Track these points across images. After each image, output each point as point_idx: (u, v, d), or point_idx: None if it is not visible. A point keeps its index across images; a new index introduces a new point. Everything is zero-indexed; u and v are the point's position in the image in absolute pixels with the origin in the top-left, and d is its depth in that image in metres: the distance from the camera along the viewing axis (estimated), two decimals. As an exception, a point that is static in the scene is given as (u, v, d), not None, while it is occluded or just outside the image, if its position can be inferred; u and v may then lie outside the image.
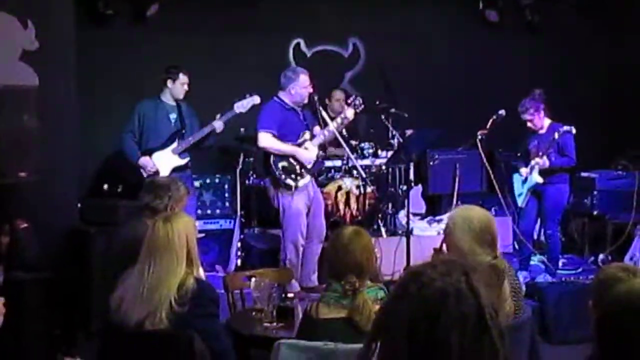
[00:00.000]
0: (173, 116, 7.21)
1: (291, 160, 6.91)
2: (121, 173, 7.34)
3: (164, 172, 7.00)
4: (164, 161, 7.09)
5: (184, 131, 7.18)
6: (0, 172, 5.49)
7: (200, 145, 7.21)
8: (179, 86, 7.16)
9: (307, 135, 7.00)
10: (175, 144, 7.12)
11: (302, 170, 6.92)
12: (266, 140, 6.88)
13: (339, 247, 3.61)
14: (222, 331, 3.89)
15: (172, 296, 3.53)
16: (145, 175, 6.95)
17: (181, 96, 7.20)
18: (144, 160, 7.05)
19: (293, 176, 6.88)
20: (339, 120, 7.10)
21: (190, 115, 7.29)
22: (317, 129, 7.08)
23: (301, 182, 6.90)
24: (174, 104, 7.23)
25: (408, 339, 1.67)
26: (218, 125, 7.12)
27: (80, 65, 6.64)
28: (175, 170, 7.07)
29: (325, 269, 3.91)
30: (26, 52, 6.05)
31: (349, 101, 7.19)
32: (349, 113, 7.05)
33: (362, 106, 7.12)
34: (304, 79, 6.93)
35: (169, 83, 7.16)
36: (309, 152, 6.94)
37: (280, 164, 6.88)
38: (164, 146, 7.11)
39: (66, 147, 6.37)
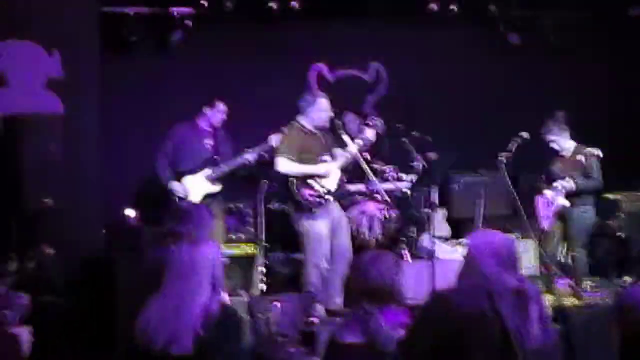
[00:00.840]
0: (208, 142, 7.29)
1: (312, 183, 6.91)
2: (150, 198, 7.39)
3: (195, 197, 7.08)
4: (196, 186, 7.16)
5: (217, 157, 7.25)
6: (26, 199, 5.53)
7: (231, 174, 7.29)
8: (217, 113, 7.26)
9: (327, 157, 7.00)
10: (209, 171, 7.18)
11: (324, 194, 6.91)
12: (283, 164, 6.90)
13: (355, 272, 3.60)
14: (247, 355, 3.88)
15: (197, 320, 3.52)
16: (177, 200, 7.05)
17: (219, 123, 7.28)
18: (174, 184, 7.12)
19: (316, 200, 6.87)
20: (360, 142, 7.10)
21: (226, 142, 7.36)
22: (337, 151, 7.08)
23: (324, 205, 6.89)
24: (210, 129, 7.30)
25: (433, 362, 1.67)
26: (251, 157, 7.19)
27: (105, 92, 6.69)
28: (207, 197, 7.13)
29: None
30: (52, 80, 6.12)
31: (369, 123, 7.19)
32: (370, 134, 7.06)
33: (383, 127, 7.13)
34: (321, 102, 6.96)
35: (207, 110, 7.24)
36: (326, 166, 6.94)
37: (301, 188, 6.88)
38: (195, 171, 7.17)
39: (91, 173, 6.42)
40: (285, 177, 6.98)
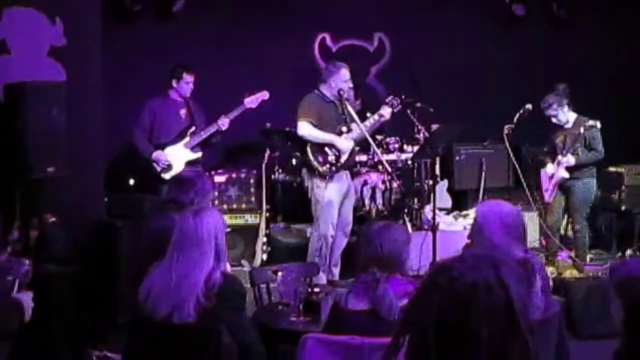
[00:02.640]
0: (183, 112, 7.38)
1: (327, 150, 6.93)
2: (137, 167, 7.47)
3: (178, 166, 7.25)
4: (177, 155, 7.28)
5: (193, 127, 7.34)
6: (29, 167, 5.52)
7: (208, 142, 7.39)
8: (184, 85, 7.33)
9: (344, 128, 7.01)
10: (187, 139, 7.31)
11: (337, 161, 6.93)
12: (305, 128, 6.91)
13: (365, 239, 3.63)
14: (249, 325, 3.90)
15: (199, 289, 3.54)
16: (158, 169, 7.19)
17: (187, 94, 7.37)
18: (157, 154, 7.25)
19: (328, 166, 6.90)
20: (376, 116, 7.09)
21: (199, 110, 7.47)
22: (354, 125, 7.07)
23: (336, 172, 6.92)
24: (181, 100, 7.39)
25: (437, 332, 1.67)
26: (222, 123, 7.28)
27: (107, 61, 6.68)
28: (189, 164, 7.25)
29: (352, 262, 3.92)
30: (54, 48, 6.10)
31: (387, 100, 7.18)
32: (386, 112, 7.06)
33: (400, 106, 7.15)
34: (344, 72, 6.98)
35: (174, 82, 7.36)
36: (346, 142, 6.96)
37: (317, 154, 6.90)
38: (174, 141, 7.30)
39: (93, 142, 6.42)
40: (301, 143, 6.99)
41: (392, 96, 7.23)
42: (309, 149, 6.92)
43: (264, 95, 7.42)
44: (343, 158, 6.96)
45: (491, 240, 3.71)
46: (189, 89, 7.37)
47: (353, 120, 7.01)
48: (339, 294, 3.76)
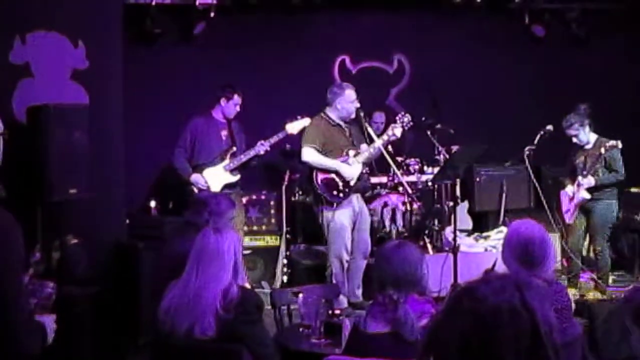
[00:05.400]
0: (224, 133, 7.32)
1: (334, 176, 6.91)
2: (172, 189, 7.47)
3: (216, 188, 7.16)
4: (216, 178, 7.22)
5: (234, 148, 7.29)
6: (51, 189, 5.56)
7: (246, 165, 7.36)
8: (232, 106, 7.29)
9: (351, 152, 7.00)
10: (227, 161, 7.24)
11: (345, 187, 6.91)
12: (309, 155, 6.91)
13: (378, 260, 3.61)
14: (267, 337, 3.91)
15: (218, 302, 3.56)
16: (196, 191, 7.11)
17: (232, 115, 7.33)
18: (195, 177, 7.20)
19: (335, 192, 6.88)
20: (385, 137, 7.07)
21: (240, 132, 7.41)
22: (363, 146, 7.06)
23: (344, 199, 6.90)
24: (224, 121, 7.34)
25: (461, 355, 1.66)
26: (262, 147, 7.24)
27: (129, 84, 6.73)
28: (227, 187, 7.19)
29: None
30: (77, 71, 6.15)
31: (397, 118, 7.17)
32: (397, 131, 7.02)
33: (410, 124, 7.12)
34: (349, 93, 6.95)
35: (223, 101, 7.28)
36: (352, 168, 6.93)
37: (322, 180, 6.89)
38: (214, 163, 7.24)
39: (115, 164, 6.46)
40: (309, 169, 6.99)
41: (402, 113, 7.21)
42: (314, 176, 6.90)
43: (305, 121, 7.22)
44: (352, 182, 6.92)
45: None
46: (236, 110, 7.34)
47: (372, 140, 7.00)
48: (358, 316, 3.74)
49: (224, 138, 7.36)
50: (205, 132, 7.31)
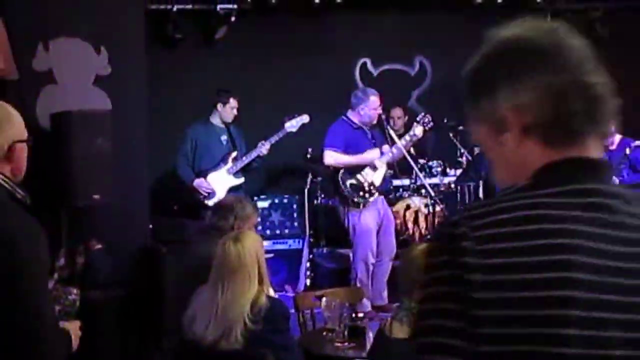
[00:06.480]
0: (224, 138, 7.39)
1: (359, 177, 6.91)
2: (180, 194, 7.53)
3: (221, 192, 7.22)
4: (220, 182, 7.28)
5: (235, 152, 7.35)
6: (75, 195, 5.60)
7: (249, 167, 7.40)
8: (229, 110, 7.37)
9: (374, 154, 6.98)
10: (230, 164, 7.30)
11: (371, 188, 6.91)
12: (330, 157, 6.92)
13: (407, 264, 3.59)
14: (293, 343, 3.90)
15: (246, 314, 3.55)
16: (201, 197, 7.18)
17: (230, 120, 7.39)
18: (198, 182, 7.28)
19: (361, 193, 6.87)
20: (407, 137, 7.07)
21: (239, 135, 7.49)
22: (385, 147, 7.06)
23: (370, 200, 6.89)
24: (223, 126, 7.42)
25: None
26: (263, 148, 7.29)
27: (152, 89, 6.76)
28: (231, 190, 7.25)
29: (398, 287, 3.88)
30: (99, 77, 6.19)
31: (417, 119, 7.16)
32: (418, 131, 7.01)
33: (431, 124, 7.09)
34: (373, 100, 6.95)
35: (219, 106, 7.38)
36: (374, 156, 6.92)
37: (348, 182, 6.89)
38: (217, 167, 7.32)
39: (138, 169, 6.49)
40: (333, 171, 6.99)
41: (422, 114, 7.20)
42: (339, 178, 6.90)
43: (304, 118, 7.40)
44: (374, 178, 6.92)
45: None
46: (234, 114, 7.41)
47: (394, 142, 6.99)
48: (383, 320, 3.72)
49: (224, 142, 7.42)
50: (205, 138, 7.38)
